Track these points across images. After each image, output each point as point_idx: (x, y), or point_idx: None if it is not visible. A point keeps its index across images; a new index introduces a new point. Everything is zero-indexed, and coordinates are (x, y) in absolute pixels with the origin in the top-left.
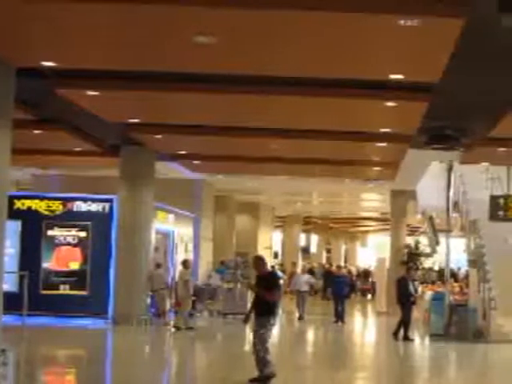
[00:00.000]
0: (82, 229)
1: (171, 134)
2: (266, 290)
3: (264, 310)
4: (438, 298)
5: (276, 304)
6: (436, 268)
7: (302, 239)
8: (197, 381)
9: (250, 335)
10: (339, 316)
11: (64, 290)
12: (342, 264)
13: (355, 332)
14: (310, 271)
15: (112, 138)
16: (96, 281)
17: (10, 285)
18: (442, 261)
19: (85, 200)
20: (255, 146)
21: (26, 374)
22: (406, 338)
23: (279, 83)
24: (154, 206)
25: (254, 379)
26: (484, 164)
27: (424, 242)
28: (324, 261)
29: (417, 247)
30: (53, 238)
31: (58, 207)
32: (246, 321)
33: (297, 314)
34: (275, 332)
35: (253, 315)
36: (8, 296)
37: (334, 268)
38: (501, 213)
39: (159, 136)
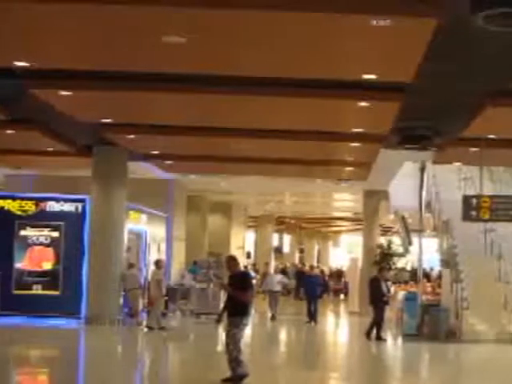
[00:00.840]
0: (55, 229)
1: (144, 134)
2: (239, 290)
3: (237, 310)
4: (410, 298)
5: (249, 304)
6: (408, 268)
7: (274, 239)
8: (170, 381)
9: (222, 335)
10: (312, 316)
11: (37, 290)
12: (315, 264)
13: (328, 332)
14: (283, 271)
15: (84, 138)
16: (69, 281)
17: None
18: (415, 261)
19: (57, 200)
20: (228, 146)
21: None
22: (379, 338)
23: (251, 83)
24: (127, 206)
25: (227, 379)
26: (456, 164)
27: (397, 242)
28: (297, 261)
29: (389, 247)
30: (25, 238)
31: (30, 207)
32: (218, 321)
33: (269, 314)
34: (248, 332)
35: (225, 315)
36: None
37: (306, 268)
38: (473, 213)
39: (132, 136)
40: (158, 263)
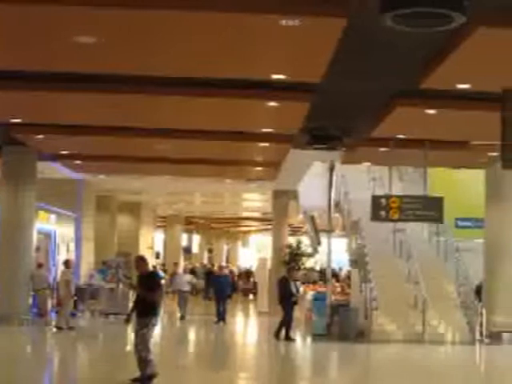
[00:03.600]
0: None
1: (53, 134)
2: (148, 290)
3: (146, 310)
4: (319, 298)
5: (158, 304)
6: (317, 268)
7: (183, 239)
8: (78, 381)
9: (131, 335)
10: (221, 316)
11: None
12: (224, 264)
13: (237, 332)
14: (192, 271)
15: None
16: None
17: None
18: (324, 261)
19: None
20: (138, 146)
21: None
22: (288, 338)
23: (162, 83)
24: (36, 206)
25: (136, 379)
26: (366, 164)
27: (306, 242)
28: (206, 261)
29: (298, 247)
30: None
31: None
32: (127, 321)
33: (178, 314)
34: (157, 332)
35: (134, 315)
36: None
37: (215, 268)
38: (382, 213)
39: (41, 136)
40: (66, 263)
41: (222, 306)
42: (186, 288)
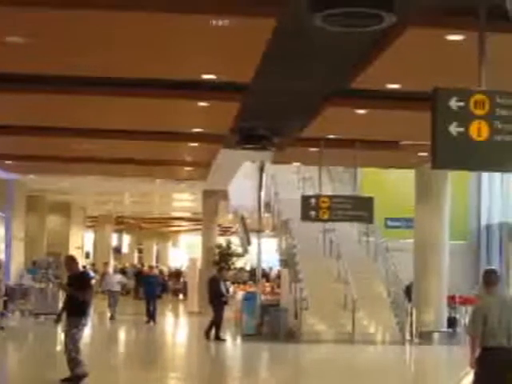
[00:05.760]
0: None
1: None
2: (78, 290)
3: (76, 310)
4: (249, 297)
5: (88, 304)
6: (248, 268)
7: (113, 239)
8: (8, 381)
9: (61, 335)
10: (151, 316)
11: None
12: (154, 264)
13: (167, 332)
14: (122, 271)
15: None
16: None
17: None
18: (254, 261)
19: None
20: (67, 146)
21: None
22: (218, 338)
23: (91, 83)
24: None
25: (66, 379)
26: (296, 164)
27: (236, 242)
28: (136, 261)
29: (228, 247)
30: None
31: None
32: (57, 321)
33: (108, 314)
34: (87, 332)
35: (65, 315)
36: None
37: (145, 268)
38: (312, 213)
39: None
40: None
41: (152, 305)
42: (116, 288)
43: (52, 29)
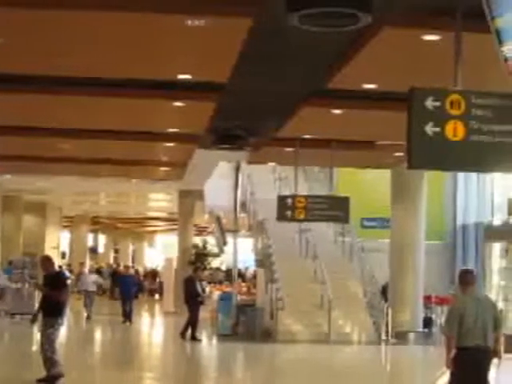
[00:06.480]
0: None
1: None
2: (54, 290)
3: (52, 310)
4: (225, 298)
5: (64, 304)
6: (224, 268)
7: (89, 239)
8: None
9: (37, 335)
10: (127, 316)
11: None
12: (130, 264)
13: (143, 332)
14: (98, 271)
15: None
16: None
17: None
18: (230, 261)
19: None
20: (42, 146)
21: None
22: (194, 338)
23: (68, 83)
24: None
25: (42, 379)
26: (272, 164)
27: (212, 242)
28: (112, 261)
29: (204, 247)
30: None
31: None
32: (33, 321)
33: (85, 314)
34: (63, 332)
35: (41, 315)
36: None
37: (121, 268)
38: (288, 213)
39: None
40: None
41: (129, 305)
42: (92, 288)
43: (31, 29)
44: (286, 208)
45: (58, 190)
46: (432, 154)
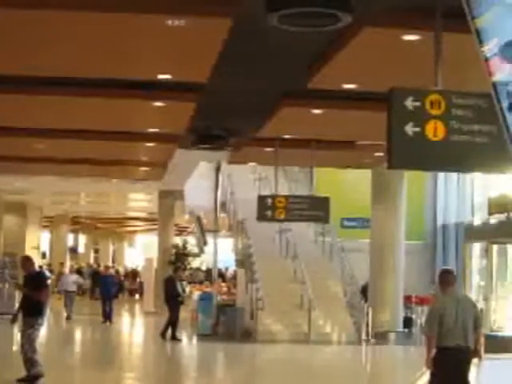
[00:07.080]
0: None
1: None
2: (34, 290)
3: (32, 310)
4: (205, 297)
5: (44, 304)
6: (204, 268)
7: (70, 239)
8: None
9: (17, 335)
10: (107, 316)
11: None
12: (110, 264)
13: (123, 332)
14: (78, 271)
15: None
16: None
17: None
18: (210, 261)
19: None
20: (22, 146)
21: None
22: (174, 338)
23: (46, 83)
24: None
25: (22, 379)
26: (252, 164)
27: (192, 242)
28: (92, 261)
29: (185, 247)
30: None
31: None
32: (13, 321)
33: (65, 314)
34: (43, 332)
35: (21, 315)
36: None
37: (101, 268)
38: (268, 213)
39: None
40: None
41: (109, 305)
42: (73, 288)
43: (5, 28)
44: (266, 208)
45: (39, 190)
46: (412, 154)
